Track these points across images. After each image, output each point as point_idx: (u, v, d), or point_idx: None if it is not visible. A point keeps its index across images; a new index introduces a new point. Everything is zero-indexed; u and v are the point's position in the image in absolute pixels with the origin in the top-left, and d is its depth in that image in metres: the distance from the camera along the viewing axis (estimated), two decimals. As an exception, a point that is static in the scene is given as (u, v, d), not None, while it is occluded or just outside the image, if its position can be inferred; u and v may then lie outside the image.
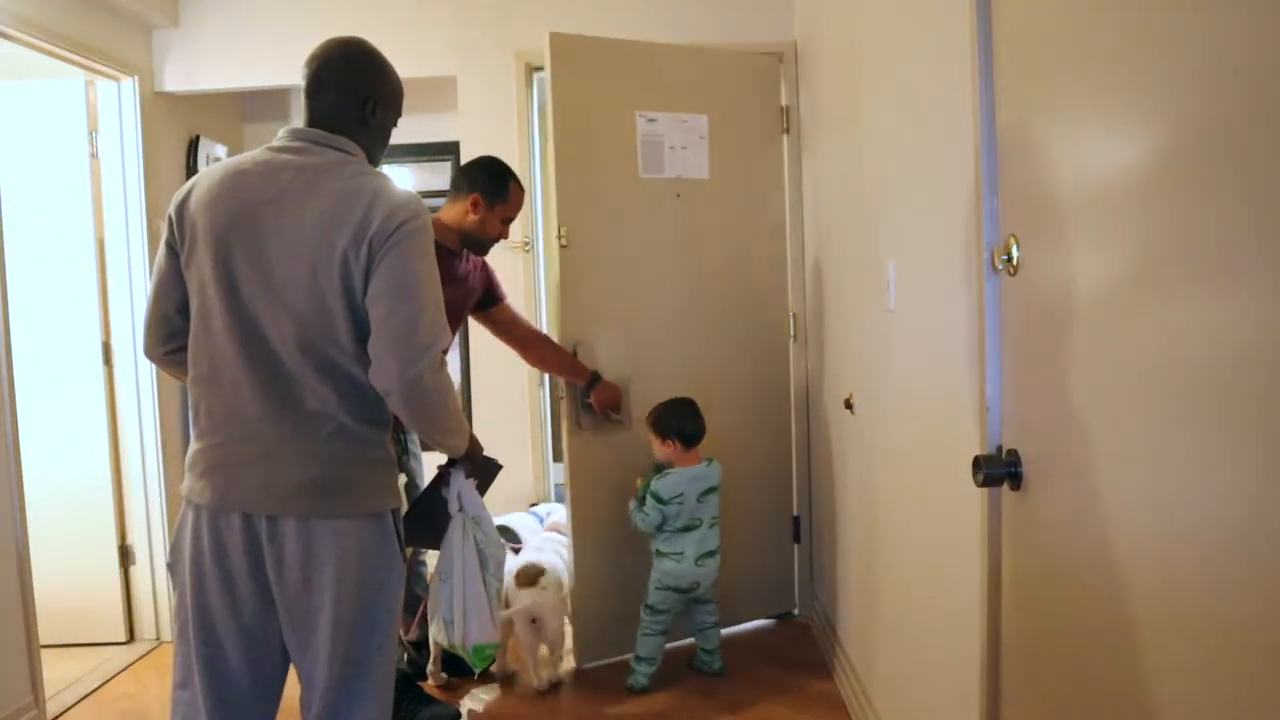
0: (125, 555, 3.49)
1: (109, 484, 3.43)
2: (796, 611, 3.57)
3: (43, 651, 2.88)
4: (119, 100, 3.42)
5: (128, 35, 3.42)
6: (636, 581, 3.08)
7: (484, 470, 2.13)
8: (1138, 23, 1.05)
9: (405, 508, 1.91)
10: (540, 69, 3.60)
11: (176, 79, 3.57)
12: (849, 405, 2.74)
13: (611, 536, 3.11)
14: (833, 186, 2.97)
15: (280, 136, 1.76)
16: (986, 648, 1.55)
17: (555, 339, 3.06)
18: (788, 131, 3.47)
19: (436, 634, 2.16)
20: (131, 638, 3.51)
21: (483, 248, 2.79)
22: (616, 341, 3.13)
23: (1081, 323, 1.20)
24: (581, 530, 3.08)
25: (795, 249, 3.50)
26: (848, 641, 2.91)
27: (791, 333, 3.52)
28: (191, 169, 3.80)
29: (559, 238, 3.00)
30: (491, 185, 2.72)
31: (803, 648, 3.31)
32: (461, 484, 2.05)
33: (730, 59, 3.32)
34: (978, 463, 1.43)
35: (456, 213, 2.72)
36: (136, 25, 3.47)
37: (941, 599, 1.90)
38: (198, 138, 3.84)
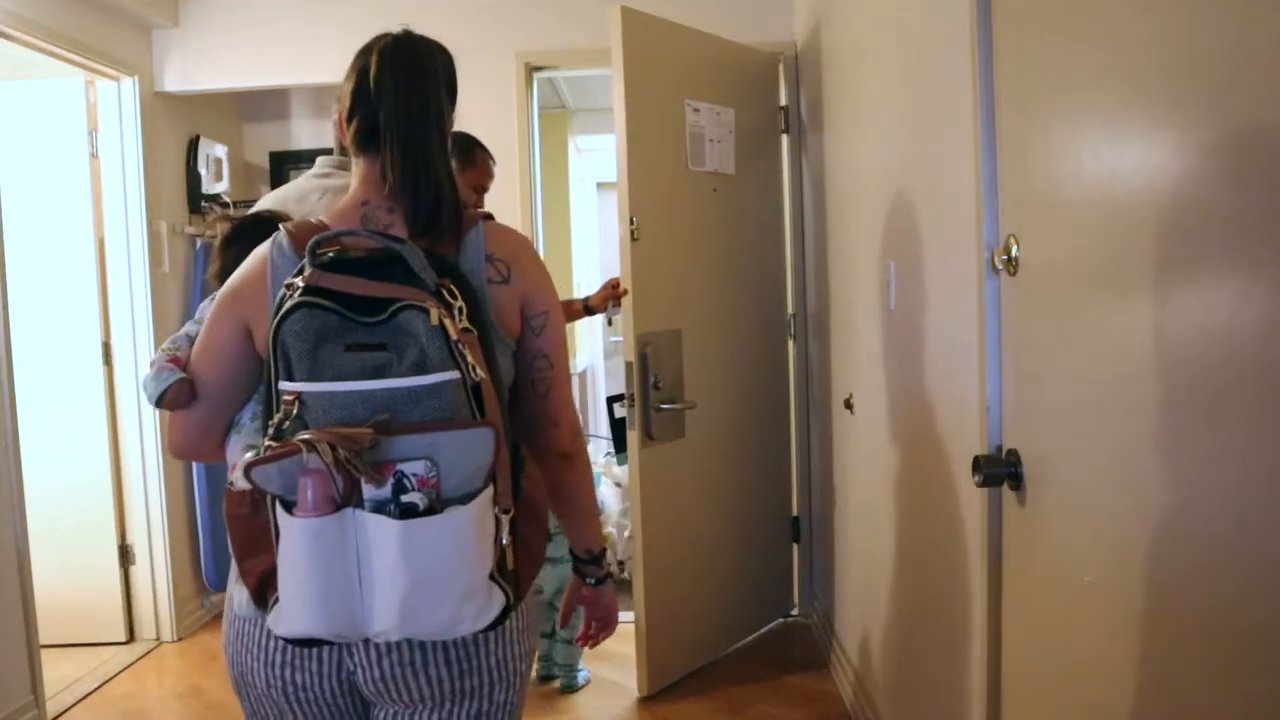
0: (125, 555, 3.49)
1: (109, 484, 3.43)
2: (796, 611, 3.57)
3: (43, 651, 2.88)
4: (119, 100, 3.42)
5: (128, 35, 3.42)
6: (708, 593, 3.10)
7: None
8: (1136, 23, 1.05)
9: None
10: (540, 69, 3.59)
11: (176, 79, 3.57)
12: (849, 405, 2.74)
13: (684, 545, 3.04)
14: (832, 186, 2.97)
15: (315, 165, 2.05)
16: (986, 647, 1.55)
17: (625, 339, 2.89)
18: (787, 131, 3.47)
19: None
20: (131, 638, 3.51)
21: None
22: (672, 344, 2.99)
23: (1081, 322, 1.20)
24: (653, 540, 2.92)
25: (795, 249, 3.50)
26: (848, 641, 2.91)
27: (791, 333, 3.52)
28: (191, 169, 3.80)
29: (631, 229, 2.85)
30: (458, 154, 2.72)
31: (803, 648, 3.32)
32: None
33: (744, 54, 3.29)
34: (978, 463, 1.43)
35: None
36: (136, 25, 3.47)
37: (942, 599, 1.90)
38: (198, 138, 3.83)
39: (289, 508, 1.07)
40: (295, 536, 1.05)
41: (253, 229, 1.38)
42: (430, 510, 1.04)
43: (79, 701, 3.03)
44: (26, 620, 2.80)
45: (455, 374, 1.05)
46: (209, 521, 3.68)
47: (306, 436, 1.02)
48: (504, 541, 1.10)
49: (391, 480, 1.04)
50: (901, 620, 2.26)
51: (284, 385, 1.07)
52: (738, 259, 3.28)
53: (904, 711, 2.26)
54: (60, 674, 3.14)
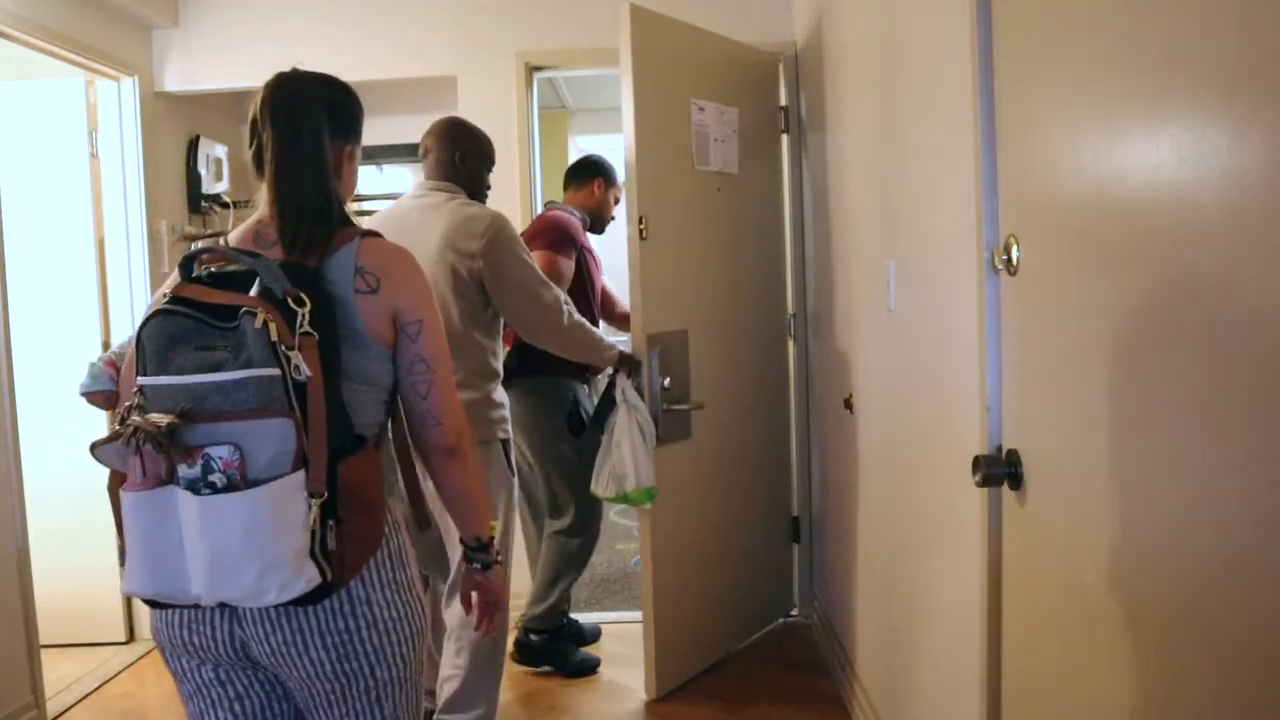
0: (125, 555, 3.48)
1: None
2: (796, 611, 3.57)
3: (43, 651, 2.88)
4: (119, 100, 3.42)
5: (128, 35, 3.42)
6: (714, 593, 3.10)
7: (637, 370, 2.83)
8: (1138, 24, 1.05)
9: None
10: (540, 69, 3.59)
11: (176, 79, 3.57)
12: (849, 405, 2.74)
13: (692, 547, 3.01)
14: (832, 186, 2.97)
15: (413, 188, 2.60)
16: (986, 648, 1.55)
17: (634, 338, 2.88)
18: (786, 131, 3.46)
19: (604, 490, 2.79)
20: (131, 638, 3.51)
21: (602, 225, 3.37)
22: (679, 344, 2.97)
23: (1081, 322, 1.20)
24: (662, 542, 2.90)
25: (795, 249, 3.50)
26: (847, 641, 2.91)
27: (791, 333, 3.52)
28: (191, 169, 3.80)
29: (640, 228, 2.81)
30: (608, 171, 3.35)
31: (802, 648, 3.32)
32: (623, 382, 2.80)
33: (747, 54, 3.27)
34: (978, 463, 1.43)
35: (583, 197, 3.31)
36: (136, 25, 3.47)
37: (941, 599, 1.90)
38: (198, 138, 3.83)
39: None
40: (126, 507, 1.23)
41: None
42: (230, 489, 1.18)
43: (79, 701, 3.03)
44: (26, 620, 2.80)
45: (273, 370, 1.18)
46: (209, 521, 3.67)
47: (127, 422, 1.18)
48: (311, 523, 1.20)
49: (201, 462, 1.18)
50: (901, 620, 2.26)
51: (137, 379, 1.23)
52: (741, 259, 3.27)
53: (903, 711, 2.26)
54: (60, 674, 3.14)
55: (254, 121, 1.40)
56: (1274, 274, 0.81)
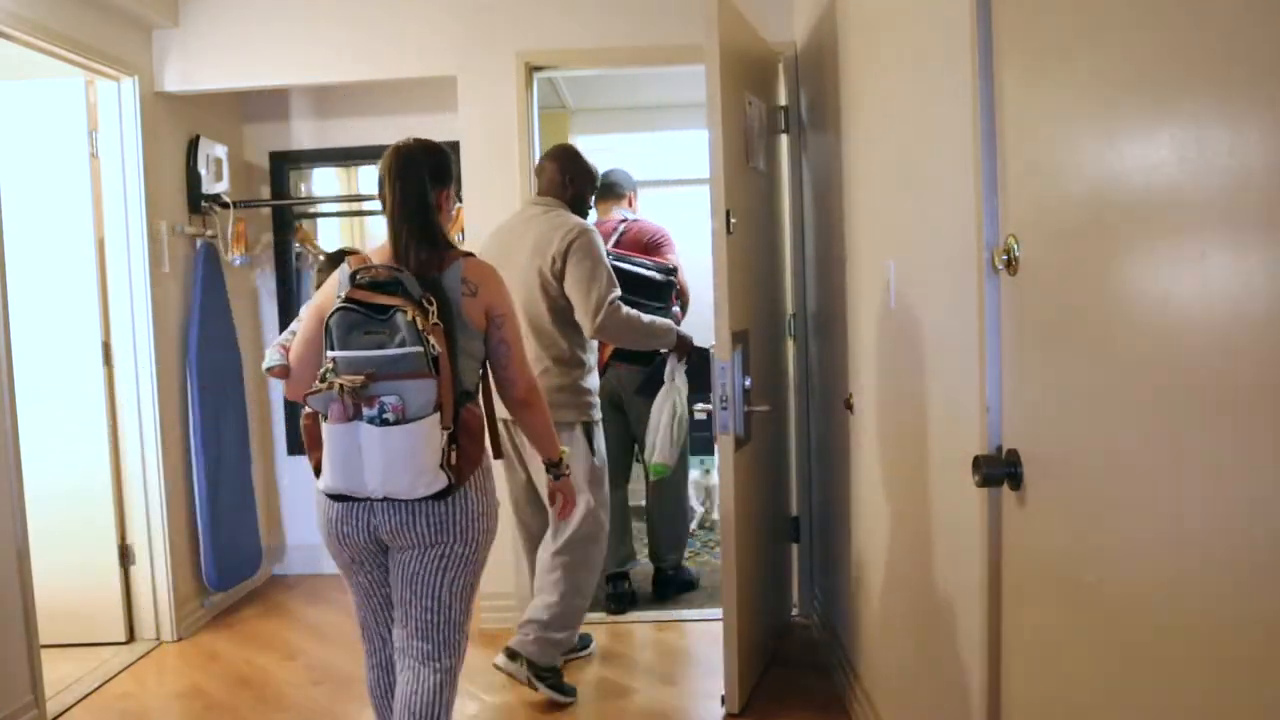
0: (125, 555, 3.49)
1: (109, 484, 3.43)
2: (796, 611, 3.57)
3: (43, 651, 2.87)
4: (119, 100, 3.42)
5: (128, 35, 3.42)
6: (762, 596, 3.05)
7: (695, 355, 3.24)
8: (1138, 23, 1.05)
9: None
10: (540, 69, 3.59)
11: (176, 79, 3.57)
12: (849, 405, 2.74)
13: (751, 552, 2.93)
14: (832, 186, 2.97)
15: (521, 207, 3.14)
16: (986, 648, 1.55)
17: (718, 336, 2.79)
18: (786, 131, 3.46)
19: (645, 457, 3.33)
20: (131, 638, 3.51)
21: None
22: (746, 344, 2.88)
23: (1081, 322, 1.20)
24: (741, 551, 2.79)
25: (795, 249, 3.50)
26: (847, 641, 2.91)
27: (791, 332, 3.52)
28: (191, 169, 3.80)
29: (729, 223, 2.69)
30: (634, 185, 3.93)
31: (802, 648, 3.32)
32: (675, 365, 3.22)
33: (766, 51, 3.25)
34: (978, 463, 1.43)
35: (623, 208, 3.84)
36: (136, 25, 3.47)
37: (942, 599, 1.90)
38: (198, 138, 3.83)
39: (326, 419, 1.88)
40: (328, 435, 1.89)
41: (337, 260, 2.15)
42: (398, 423, 1.84)
43: (79, 701, 3.03)
44: (26, 620, 2.80)
45: (419, 348, 1.83)
46: (209, 521, 3.67)
47: (333, 380, 1.84)
48: (443, 446, 1.86)
49: (378, 406, 1.84)
50: (901, 620, 2.26)
51: (328, 353, 1.88)
52: (770, 258, 3.28)
53: (904, 711, 2.26)
54: (60, 674, 3.14)
55: (379, 180, 2.01)
56: (1274, 274, 0.81)
